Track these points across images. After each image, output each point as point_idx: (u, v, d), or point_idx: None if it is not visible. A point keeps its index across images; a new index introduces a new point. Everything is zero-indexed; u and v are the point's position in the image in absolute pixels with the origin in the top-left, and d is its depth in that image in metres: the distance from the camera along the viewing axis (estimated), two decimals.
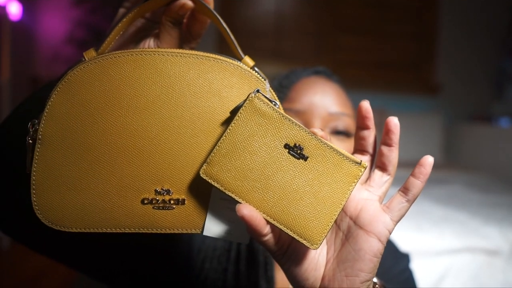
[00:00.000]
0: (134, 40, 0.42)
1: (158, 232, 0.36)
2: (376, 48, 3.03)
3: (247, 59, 0.37)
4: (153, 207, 0.36)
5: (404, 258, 0.68)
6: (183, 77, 0.35)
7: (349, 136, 0.60)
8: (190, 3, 0.38)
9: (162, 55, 0.35)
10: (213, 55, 0.36)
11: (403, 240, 1.20)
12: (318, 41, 3.01)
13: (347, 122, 0.60)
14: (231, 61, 0.36)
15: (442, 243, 1.24)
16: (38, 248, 0.50)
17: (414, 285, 0.65)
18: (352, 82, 2.75)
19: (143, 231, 0.36)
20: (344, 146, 0.59)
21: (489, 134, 2.68)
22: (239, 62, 0.36)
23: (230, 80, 0.36)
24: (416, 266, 1.14)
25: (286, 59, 2.98)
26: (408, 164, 1.55)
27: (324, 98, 0.61)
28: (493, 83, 3.08)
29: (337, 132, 0.60)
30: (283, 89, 0.63)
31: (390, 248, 0.67)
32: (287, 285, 0.60)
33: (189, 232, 0.37)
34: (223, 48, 2.86)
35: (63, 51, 3.00)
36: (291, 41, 3.00)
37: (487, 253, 1.26)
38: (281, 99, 0.63)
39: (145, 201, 0.36)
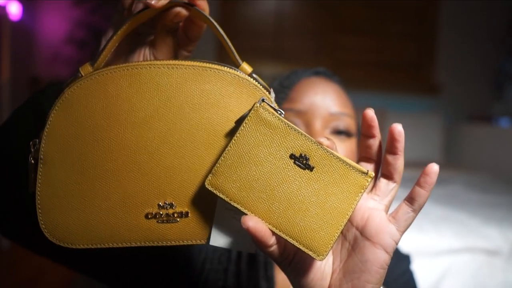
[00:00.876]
0: (128, 48, 0.41)
1: (163, 244, 0.37)
2: (376, 48, 3.03)
3: (244, 65, 0.37)
4: (157, 221, 0.36)
5: (405, 260, 0.68)
6: (181, 90, 0.35)
7: (349, 136, 0.61)
8: (185, 12, 0.37)
9: (158, 68, 0.35)
10: (209, 65, 0.35)
11: (403, 240, 1.20)
12: (318, 41, 3.01)
13: (348, 122, 0.61)
14: (228, 70, 0.36)
15: (442, 243, 1.24)
16: (41, 253, 0.50)
17: (415, 286, 0.65)
18: (352, 82, 2.75)
19: (149, 244, 0.36)
20: (345, 146, 0.60)
21: (489, 134, 2.68)
22: (236, 70, 0.36)
23: (228, 89, 0.35)
24: (416, 266, 1.14)
25: (286, 59, 2.98)
26: (408, 165, 1.55)
27: (325, 98, 0.61)
28: (493, 83, 3.08)
29: (338, 132, 0.60)
30: (284, 89, 0.64)
31: None
32: (287, 285, 0.60)
33: (194, 243, 0.37)
34: (223, 53, 2.85)
35: (63, 51, 3.00)
36: (291, 41, 3.00)
37: (487, 253, 1.26)
38: (282, 100, 0.63)
39: (149, 216, 0.36)
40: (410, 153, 2.57)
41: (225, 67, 0.36)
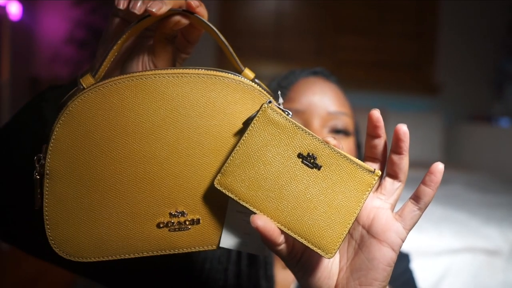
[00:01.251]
0: (126, 53, 0.41)
1: (175, 252, 0.37)
2: (376, 48, 3.03)
3: (247, 71, 0.37)
4: (169, 230, 0.36)
5: (404, 259, 0.68)
6: (187, 98, 0.35)
7: (347, 135, 0.61)
8: (185, 20, 0.37)
9: (163, 77, 0.35)
10: (214, 73, 0.35)
11: None
12: (318, 41, 3.01)
13: (346, 121, 0.61)
14: (232, 76, 0.36)
15: (442, 243, 1.24)
16: (44, 259, 0.50)
17: (415, 285, 0.65)
18: (352, 82, 2.75)
19: (160, 253, 0.37)
20: (343, 145, 0.60)
21: (489, 134, 2.68)
22: (240, 77, 0.36)
23: (233, 96, 0.36)
24: (416, 266, 1.14)
25: (286, 59, 2.98)
26: (409, 164, 1.55)
27: (323, 98, 0.61)
28: (493, 83, 3.08)
29: (336, 131, 0.61)
30: (282, 89, 0.64)
31: None
32: (287, 284, 0.60)
33: (205, 249, 0.37)
34: (223, 57, 2.85)
35: (63, 51, 3.00)
36: (291, 41, 3.00)
37: (487, 253, 1.26)
38: None
39: (161, 225, 0.36)
40: (410, 153, 2.56)
41: (229, 74, 0.36)
